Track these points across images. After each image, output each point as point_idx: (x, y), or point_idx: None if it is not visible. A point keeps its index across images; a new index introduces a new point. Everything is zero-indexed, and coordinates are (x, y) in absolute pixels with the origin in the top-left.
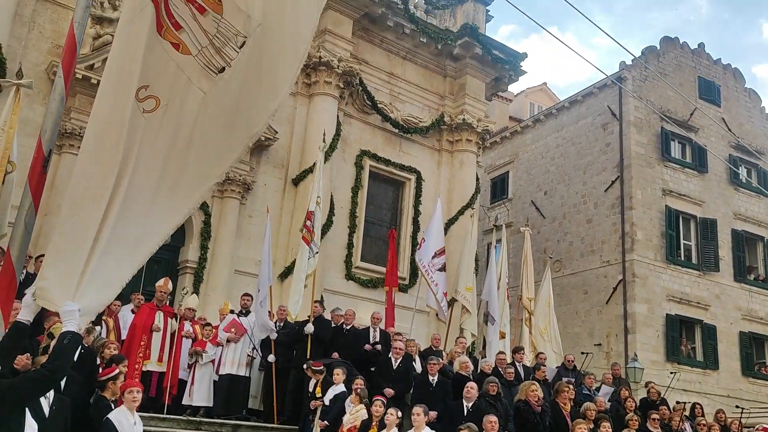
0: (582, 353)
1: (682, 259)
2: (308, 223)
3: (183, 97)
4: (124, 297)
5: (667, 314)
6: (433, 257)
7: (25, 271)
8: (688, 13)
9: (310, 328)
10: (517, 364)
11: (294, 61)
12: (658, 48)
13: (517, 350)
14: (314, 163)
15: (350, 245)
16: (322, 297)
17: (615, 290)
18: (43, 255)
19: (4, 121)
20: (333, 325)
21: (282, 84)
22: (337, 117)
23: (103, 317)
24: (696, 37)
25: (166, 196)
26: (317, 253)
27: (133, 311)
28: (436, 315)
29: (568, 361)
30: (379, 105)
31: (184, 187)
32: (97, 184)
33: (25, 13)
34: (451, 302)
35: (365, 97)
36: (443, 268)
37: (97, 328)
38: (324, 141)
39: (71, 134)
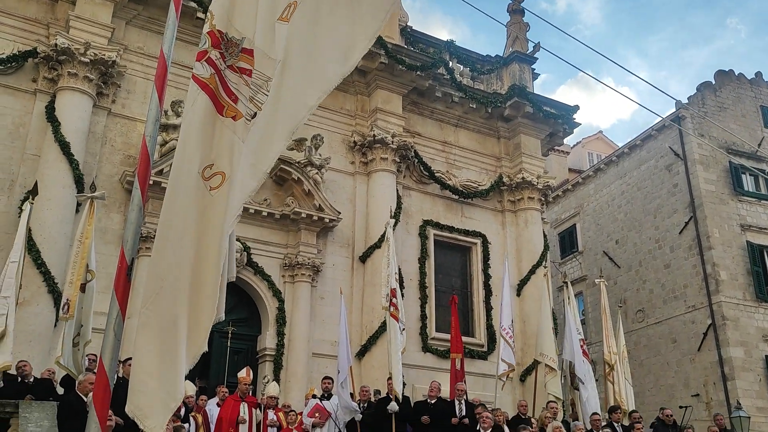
0: (680, 407)
1: None
2: (393, 300)
3: (240, 161)
4: (209, 391)
5: (766, 356)
6: (513, 321)
7: (116, 377)
8: (727, 41)
9: (394, 406)
10: (615, 424)
11: (313, 95)
12: (713, 83)
13: (613, 410)
14: (380, 239)
15: (423, 317)
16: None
17: (705, 336)
18: (130, 358)
19: (80, 232)
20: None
21: (299, 112)
22: (397, 191)
23: (192, 413)
24: (739, 65)
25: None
26: (404, 329)
27: (218, 405)
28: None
29: (667, 416)
30: (436, 174)
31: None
32: (175, 275)
33: (97, 130)
34: (534, 365)
35: (422, 168)
36: None
37: (186, 425)
38: (392, 217)
39: (146, 238)
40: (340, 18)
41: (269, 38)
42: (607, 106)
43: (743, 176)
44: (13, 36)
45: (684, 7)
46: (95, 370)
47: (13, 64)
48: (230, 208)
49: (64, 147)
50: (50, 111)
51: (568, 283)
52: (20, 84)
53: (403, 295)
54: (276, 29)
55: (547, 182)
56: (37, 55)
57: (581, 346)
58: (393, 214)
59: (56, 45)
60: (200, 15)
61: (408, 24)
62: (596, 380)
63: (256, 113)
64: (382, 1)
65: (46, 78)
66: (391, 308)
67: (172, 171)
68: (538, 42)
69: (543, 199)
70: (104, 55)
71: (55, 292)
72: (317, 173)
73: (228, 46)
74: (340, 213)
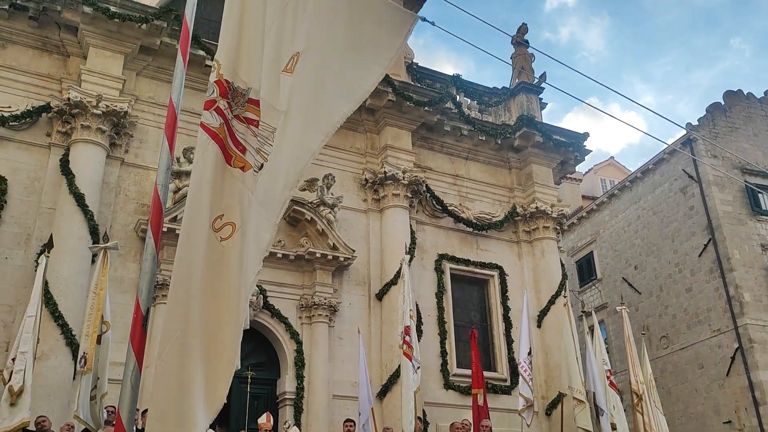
0: None
1: None
2: (407, 338)
3: (250, 213)
4: None
5: None
6: (528, 353)
7: (135, 429)
8: (732, 61)
9: None
10: None
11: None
12: (723, 103)
13: None
14: (395, 275)
15: (444, 353)
16: (424, 412)
17: (733, 360)
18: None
19: (95, 284)
20: None
21: (301, 160)
22: (410, 226)
23: None
24: (747, 85)
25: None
26: (419, 367)
27: None
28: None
29: None
30: (449, 207)
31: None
32: (189, 326)
33: (111, 181)
34: (559, 398)
35: (434, 202)
36: None
37: None
38: (407, 253)
39: (162, 285)
40: (343, 66)
41: (274, 89)
42: (616, 132)
43: (760, 195)
44: (27, 92)
45: (686, 30)
46: (113, 423)
47: (27, 119)
48: (247, 264)
49: (79, 199)
50: (65, 164)
51: (591, 312)
52: (35, 139)
53: (422, 332)
54: (281, 80)
55: (562, 210)
56: (51, 110)
57: (607, 377)
58: (408, 249)
59: (69, 99)
60: (209, 63)
61: (414, 61)
62: (624, 410)
63: (262, 164)
64: (386, 48)
65: (60, 132)
66: (404, 346)
67: (183, 220)
68: (544, 72)
69: (558, 227)
70: (116, 106)
71: (73, 345)
72: (330, 212)
73: (234, 96)
74: (354, 251)
